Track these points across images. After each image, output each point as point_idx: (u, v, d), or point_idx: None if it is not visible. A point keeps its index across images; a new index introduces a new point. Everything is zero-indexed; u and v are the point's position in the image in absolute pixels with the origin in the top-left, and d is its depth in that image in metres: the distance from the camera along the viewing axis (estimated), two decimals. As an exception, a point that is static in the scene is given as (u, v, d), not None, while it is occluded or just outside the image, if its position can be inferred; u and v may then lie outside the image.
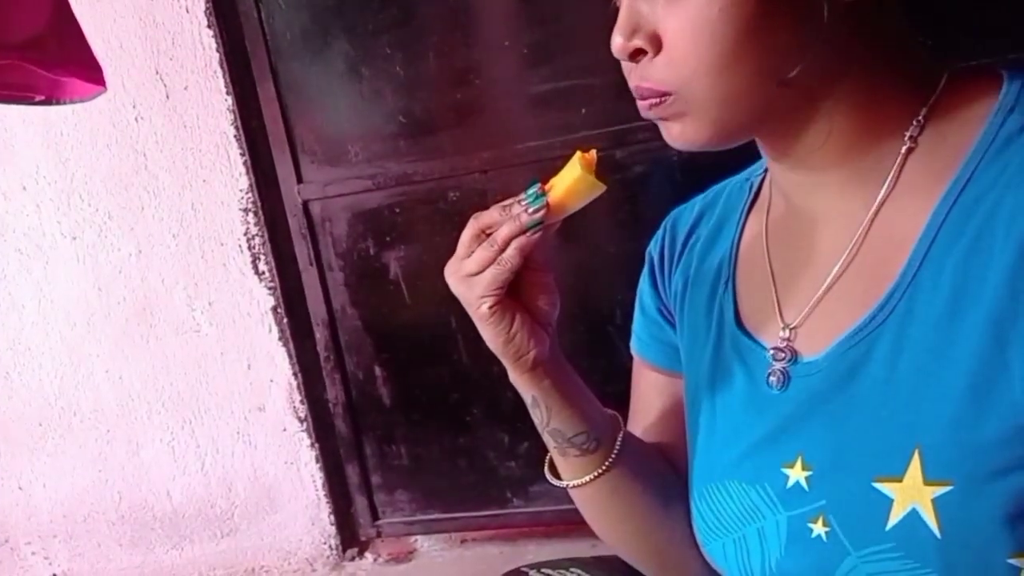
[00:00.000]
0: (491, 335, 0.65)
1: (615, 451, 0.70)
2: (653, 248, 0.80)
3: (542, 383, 0.68)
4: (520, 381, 0.69)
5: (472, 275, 0.62)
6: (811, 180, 0.61)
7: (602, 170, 0.63)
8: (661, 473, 0.75)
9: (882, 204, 0.58)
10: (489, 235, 0.62)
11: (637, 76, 0.59)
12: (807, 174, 0.61)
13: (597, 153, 0.64)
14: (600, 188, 0.62)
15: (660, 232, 0.80)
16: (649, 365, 0.80)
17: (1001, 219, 0.51)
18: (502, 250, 0.61)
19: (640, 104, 0.60)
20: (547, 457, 0.75)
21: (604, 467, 0.70)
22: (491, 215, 0.62)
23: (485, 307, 0.63)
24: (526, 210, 0.61)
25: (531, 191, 0.62)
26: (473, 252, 0.62)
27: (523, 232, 0.61)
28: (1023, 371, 0.49)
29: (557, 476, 0.74)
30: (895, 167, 0.57)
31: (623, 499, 0.73)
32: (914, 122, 0.57)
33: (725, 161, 0.68)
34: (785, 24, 0.54)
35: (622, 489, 0.72)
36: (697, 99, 0.56)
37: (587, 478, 0.71)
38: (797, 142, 0.59)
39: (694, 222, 0.76)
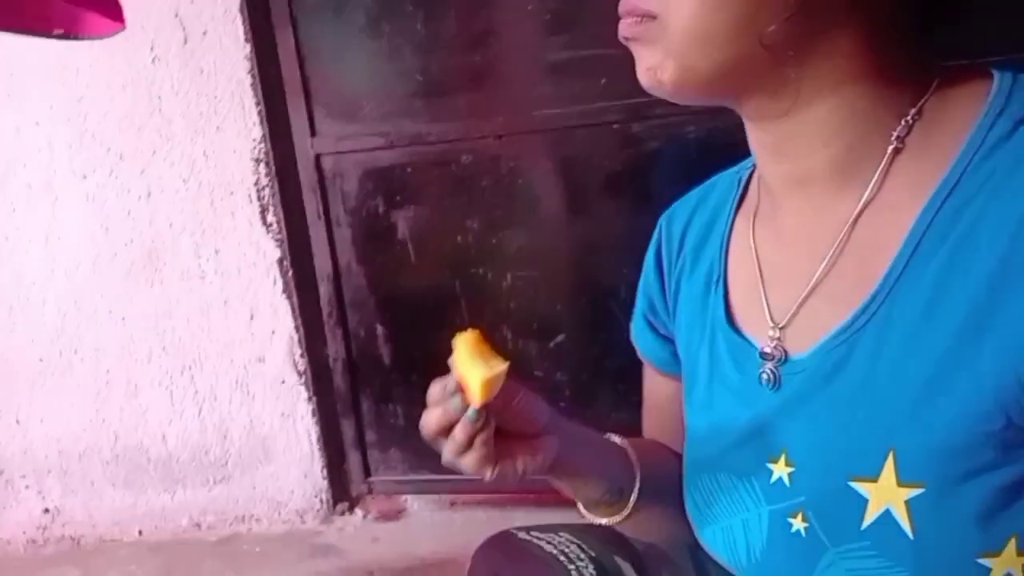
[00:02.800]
0: (506, 482, 0.67)
1: (636, 489, 0.75)
2: (651, 250, 0.80)
3: (562, 475, 0.72)
4: (546, 479, 0.73)
5: (460, 456, 0.65)
6: (796, 175, 0.60)
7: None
8: (675, 474, 0.77)
9: (867, 205, 0.57)
10: (439, 433, 0.65)
11: None
12: (791, 167, 0.60)
13: (473, 328, 0.65)
14: (504, 372, 0.62)
15: (656, 233, 0.80)
16: (655, 368, 0.82)
17: (984, 228, 0.50)
18: (467, 445, 0.64)
19: (621, 25, 0.59)
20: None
21: (632, 506, 0.75)
22: (436, 424, 0.64)
23: (488, 475, 0.65)
24: (467, 422, 0.63)
25: (456, 404, 0.63)
26: (443, 445, 0.65)
27: (475, 434, 0.63)
28: (994, 378, 0.49)
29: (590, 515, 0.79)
30: (881, 168, 0.56)
31: (658, 516, 0.77)
32: (902, 123, 0.56)
33: (740, 137, 0.66)
34: None
35: (654, 509, 0.77)
36: (675, 29, 0.55)
37: (619, 517, 0.76)
38: (778, 121, 0.59)
39: (688, 219, 0.76)
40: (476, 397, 0.61)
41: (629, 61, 0.61)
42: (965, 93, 0.55)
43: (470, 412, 0.62)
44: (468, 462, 0.65)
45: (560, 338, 1.87)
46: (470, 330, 0.65)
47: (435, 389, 0.66)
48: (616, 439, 0.78)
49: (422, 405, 0.67)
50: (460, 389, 0.63)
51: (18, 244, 2.08)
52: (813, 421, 0.59)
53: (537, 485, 0.71)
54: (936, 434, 0.51)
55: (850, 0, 0.54)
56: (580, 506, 0.78)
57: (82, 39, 1.51)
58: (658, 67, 0.57)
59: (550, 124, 1.76)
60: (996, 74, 0.55)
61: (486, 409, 0.62)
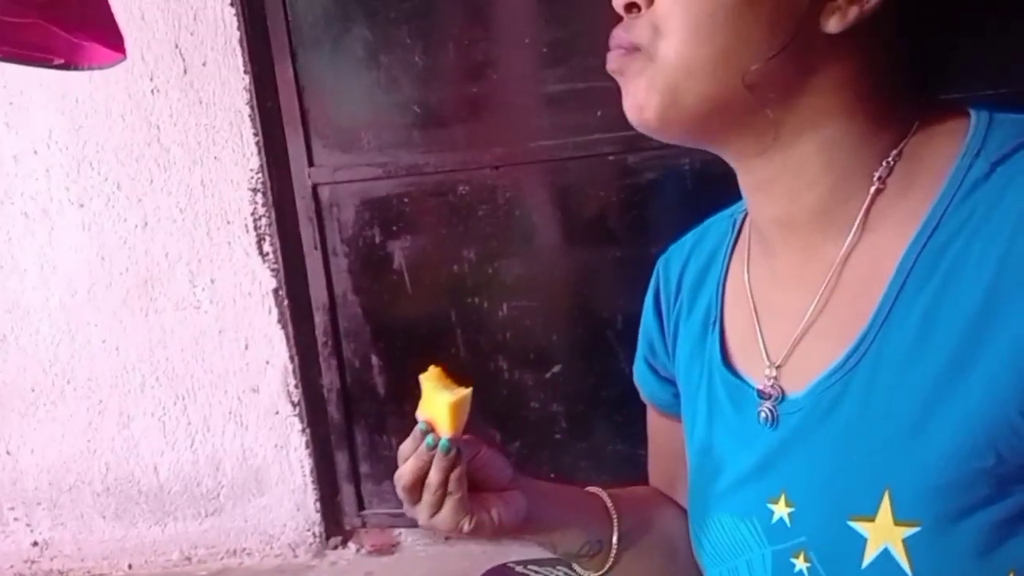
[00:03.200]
0: (483, 536, 0.68)
1: (615, 540, 0.75)
2: (650, 294, 0.81)
3: (538, 532, 0.73)
4: (521, 540, 0.73)
5: (435, 514, 0.66)
6: (785, 217, 0.61)
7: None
8: (666, 520, 0.78)
9: (854, 246, 0.58)
10: (415, 484, 0.66)
11: (619, 28, 0.59)
12: (780, 209, 0.61)
13: (437, 367, 0.68)
14: (469, 395, 0.64)
15: (654, 277, 0.81)
16: (657, 410, 0.82)
17: (966, 268, 0.51)
18: (443, 489, 0.65)
19: (608, 58, 0.60)
20: None
21: (612, 559, 0.75)
22: (411, 473, 0.66)
23: (467, 527, 0.66)
24: (441, 457, 0.64)
25: (428, 441, 0.64)
26: (421, 499, 0.66)
27: (449, 470, 0.64)
28: (982, 415, 0.50)
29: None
30: (863, 208, 0.57)
31: (646, 566, 0.78)
32: (884, 163, 0.56)
33: (735, 172, 0.67)
34: (763, 16, 0.54)
35: (641, 559, 0.77)
36: (660, 60, 0.56)
37: (604, 569, 0.76)
38: (762, 163, 0.59)
39: (684, 262, 0.77)
40: (446, 425, 0.63)
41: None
42: (943, 133, 0.56)
43: (443, 443, 0.63)
44: (444, 515, 0.66)
45: (556, 368, 1.86)
46: (431, 367, 0.67)
47: (405, 445, 0.67)
48: (594, 490, 0.78)
49: None
50: (430, 429, 0.65)
51: (13, 272, 2.08)
52: (811, 460, 0.59)
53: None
54: (929, 472, 0.52)
55: (832, 43, 0.54)
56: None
57: (83, 69, 1.52)
58: (643, 101, 0.58)
59: (546, 155, 1.77)
60: (973, 114, 0.56)
61: (457, 445, 0.64)
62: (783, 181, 0.59)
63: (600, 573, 0.75)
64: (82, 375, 2.11)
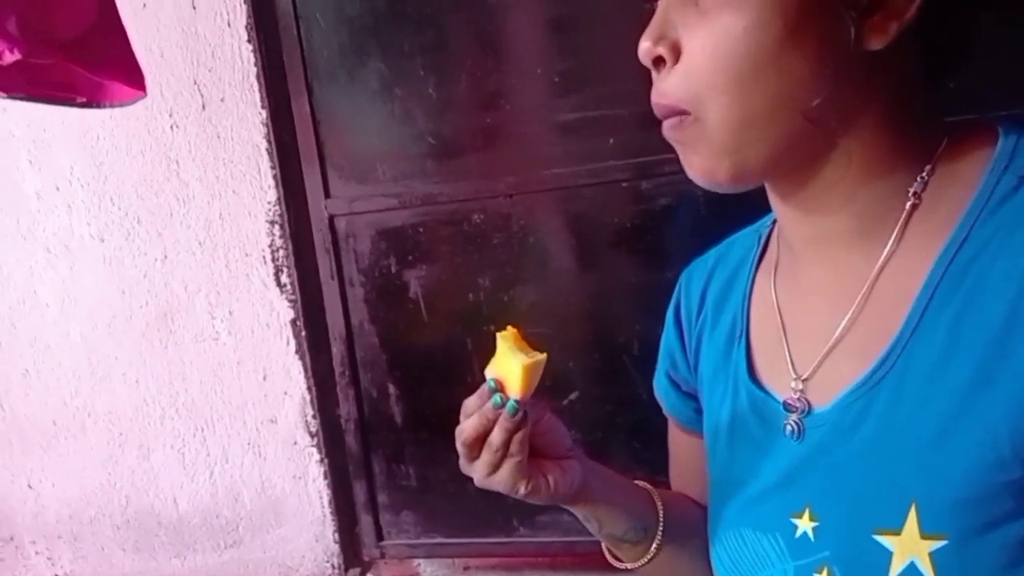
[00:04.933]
0: (538, 500, 0.68)
1: (660, 531, 0.75)
2: (671, 307, 0.82)
3: (588, 504, 0.73)
4: (571, 508, 0.73)
5: (492, 474, 0.66)
6: (818, 233, 0.61)
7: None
8: (701, 525, 0.77)
9: (888, 260, 0.58)
10: (476, 440, 0.66)
11: (655, 91, 0.59)
12: (815, 225, 0.61)
13: (515, 327, 0.67)
14: (543, 361, 0.65)
15: (676, 290, 0.82)
16: (678, 425, 0.83)
17: (991, 282, 0.52)
18: (504, 449, 0.65)
19: (664, 126, 0.60)
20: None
21: (656, 547, 0.75)
22: (473, 430, 0.65)
23: (523, 490, 0.67)
24: (507, 418, 0.64)
25: (496, 400, 0.64)
26: (479, 457, 0.66)
27: (513, 432, 0.64)
28: (1007, 429, 0.50)
29: (617, 558, 0.79)
30: (900, 223, 0.57)
31: (680, 563, 0.78)
32: (918, 179, 0.57)
33: (749, 198, 0.67)
34: (809, 53, 0.54)
35: (678, 556, 0.77)
36: (712, 121, 0.55)
37: (645, 560, 0.76)
38: (809, 186, 0.59)
39: (708, 276, 0.78)
40: (517, 387, 0.63)
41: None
42: (972, 148, 0.57)
43: (511, 404, 0.63)
44: (502, 476, 0.65)
45: (574, 395, 1.85)
46: (509, 327, 0.67)
47: (470, 400, 0.67)
48: (642, 483, 0.79)
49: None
50: (499, 388, 0.64)
51: (35, 307, 2.11)
52: (836, 474, 0.59)
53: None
54: (954, 485, 0.51)
55: (875, 60, 0.54)
56: (605, 550, 0.78)
57: (105, 107, 1.56)
58: (711, 167, 0.58)
59: (560, 183, 1.78)
60: (1001, 130, 0.57)
61: (524, 409, 0.63)
62: (824, 200, 0.59)
63: (640, 563, 0.76)
64: (102, 408, 2.12)
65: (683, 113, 0.57)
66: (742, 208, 0.77)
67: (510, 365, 0.64)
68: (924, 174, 0.57)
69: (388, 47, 1.85)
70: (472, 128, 1.84)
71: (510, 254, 1.85)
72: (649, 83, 0.60)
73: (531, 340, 0.66)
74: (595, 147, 1.74)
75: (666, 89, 0.57)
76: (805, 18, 0.53)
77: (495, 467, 0.65)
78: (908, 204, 0.57)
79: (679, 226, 1.74)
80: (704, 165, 0.58)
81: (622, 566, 0.78)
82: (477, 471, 0.67)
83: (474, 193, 1.85)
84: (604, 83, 1.70)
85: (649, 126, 0.64)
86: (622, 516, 0.74)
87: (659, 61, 0.58)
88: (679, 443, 0.84)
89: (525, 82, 1.79)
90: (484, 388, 0.66)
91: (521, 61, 1.80)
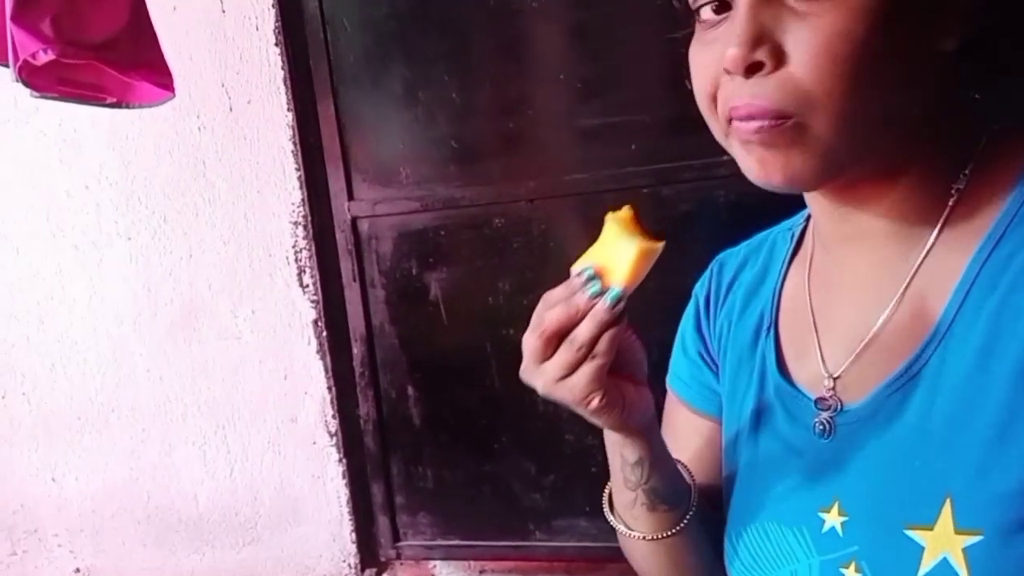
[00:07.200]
0: (606, 422, 0.62)
1: (692, 504, 0.70)
2: (699, 290, 0.80)
3: (648, 444, 0.66)
4: (628, 444, 0.66)
5: (564, 378, 0.59)
6: (858, 230, 0.61)
7: (644, 217, 0.58)
8: (715, 516, 0.75)
9: (927, 256, 0.58)
10: (557, 334, 0.59)
11: (748, 93, 0.53)
12: (856, 223, 0.61)
13: (631, 208, 0.59)
14: (659, 249, 0.56)
15: (707, 274, 0.80)
16: (685, 404, 0.81)
17: None
18: (589, 348, 0.57)
19: (741, 126, 0.55)
20: (606, 506, 0.73)
21: (686, 520, 0.70)
22: (556, 321, 0.58)
23: (596, 402, 0.59)
24: (604, 308, 0.57)
25: (594, 288, 0.57)
26: (552, 355, 0.59)
27: (608, 326, 0.57)
28: None
29: (626, 527, 0.72)
30: (942, 219, 0.57)
31: (700, 545, 0.73)
32: (962, 175, 0.57)
33: (770, 201, 0.66)
34: (903, 54, 0.53)
35: (696, 531, 0.72)
36: (819, 126, 0.52)
37: (672, 531, 0.70)
38: (861, 186, 0.58)
39: (738, 267, 0.77)
40: (624, 273, 0.55)
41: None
42: (1009, 145, 0.57)
43: (614, 291, 0.55)
44: (578, 379, 0.58)
45: (591, 401, 1.85)
46: (626, 207, 0.59)
47: (555, 291, 0.60)
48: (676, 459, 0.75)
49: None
50: (598, 275, 0.56)
51: (62, 304, 2.15)
52: (868, 470, 0.58)
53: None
54: (993, 480, 0.51)
55: (944, 61, 0.54)
56: (615, 516, 0.73)
57: (134, 107, 1.59)
58: (798, 171, 0.54)
59: (581, 188, 1.79)
60: None
61: (625, 303, 0.54)
62: (873, 198, 0.59)
63: (667, 531, 0.70)
64: (126, 404, 2.15)
65: (783, 116, 0.53)
66: (764, 213, 0.77)
67: (620, 248, 0.55)
68: (967, 171, 0.57)
69: (412, 52, 1.87)
70: (494, 133, 1.85)
71: (530, 258, 1.86)
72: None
73: (646, 228, 0.57)
74: (616, 153, 1.74)
75: (766, 93, 0.53)
76: (900, 19, 0.51)
77: (572, 368, 0.57)
78: (951, 201, 0.57)
79: (700, 232, 1.74)
80: (791, 167, 0.54)
81: (635, 533, 0.71)
82: (547, 372, 0.59)
83: (495, 197, 1.86)
84: (626, 89, 1.71)
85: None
86: (669, 473, 0.69)
87: (754, 67, 0.53)
88: (682, 426, 0.80)
89: (547, 88, 1.80)
90: (575, 276, 0.57)
91: (544, 67, 1.81)
